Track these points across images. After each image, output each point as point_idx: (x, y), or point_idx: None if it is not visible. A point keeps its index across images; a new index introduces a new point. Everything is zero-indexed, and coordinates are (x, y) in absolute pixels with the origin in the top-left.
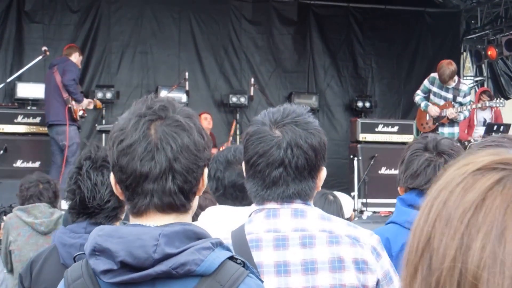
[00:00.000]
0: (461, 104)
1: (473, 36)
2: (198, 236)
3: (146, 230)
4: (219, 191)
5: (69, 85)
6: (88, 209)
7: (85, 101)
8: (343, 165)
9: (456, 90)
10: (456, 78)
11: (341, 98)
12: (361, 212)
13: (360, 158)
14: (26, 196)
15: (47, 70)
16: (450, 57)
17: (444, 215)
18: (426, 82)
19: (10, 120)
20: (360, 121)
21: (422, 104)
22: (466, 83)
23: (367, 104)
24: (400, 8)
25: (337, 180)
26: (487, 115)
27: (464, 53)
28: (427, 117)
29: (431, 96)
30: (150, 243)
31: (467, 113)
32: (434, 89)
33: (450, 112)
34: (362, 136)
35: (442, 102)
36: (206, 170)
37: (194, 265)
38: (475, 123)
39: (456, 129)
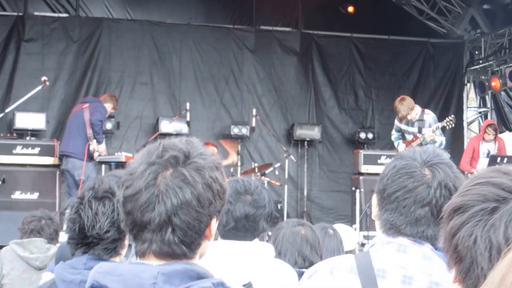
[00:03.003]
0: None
1: (477, 67)
2: (200, 276)
3: (145, 268)
4: (230, 224)
5: (95, 124)
6: (87, 239)
7: (104, 145)
8: (343, 197)
9: (421, 121)
10: (418, 110)
11: (341, 130)
12: (363, 245)
13: (362, 190)
14: (27, 230)
15: (78, 103)
16: (452, 88)
17: None
18: (396, 121)
19: (8, 150)
20: (362, 152)
21: (395, 144)
22: (431, 113)
23: (370, 136)
24: (403, 38)
25: (338, 213)
26: (491, 147)
27: (468, 84)
28: None
29: (404, 134)
30: (148, 281)
31: (443, 139)
32: (403, 126)
33: (428, 135)
34: (364, 168)
35: (411, 137)
36: (214, 221)
37: None
38: (479, 154)
39: None
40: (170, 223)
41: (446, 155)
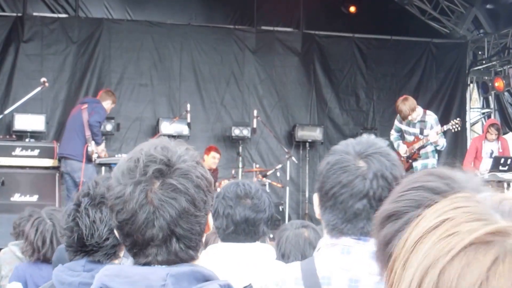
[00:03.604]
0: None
1: (480, 67)
2: (206, 278)
3: (153, 270)
4: (230, 228)
5: (94, 126)
6: (86, 247)
7: (102, 146)
8: None
9: (423, 122)
10: (420, 111)
11: (343, 131)
12: None
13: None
14: (19, 232)
15: (77, 103)
16: (455, 89)
17: None
18: (396, 121)
19: (7, 152)
20: None
21: (395, 144)
22: (432, 114)
23: (372, 137)
24: (405, 38)
25: None
26: (494, 147)
27: (471, 85)
28: (402, 157)
29: (404, 134)
30: (157, 283)
31: (444, 141)
32: (404, 127)
33: (432, 137)
34: None
35: (412, 138)
36: (210, 216)
37: None
38: (482, 155)
39: (430, 160)
40: (174, 234)
41: (382, 143)
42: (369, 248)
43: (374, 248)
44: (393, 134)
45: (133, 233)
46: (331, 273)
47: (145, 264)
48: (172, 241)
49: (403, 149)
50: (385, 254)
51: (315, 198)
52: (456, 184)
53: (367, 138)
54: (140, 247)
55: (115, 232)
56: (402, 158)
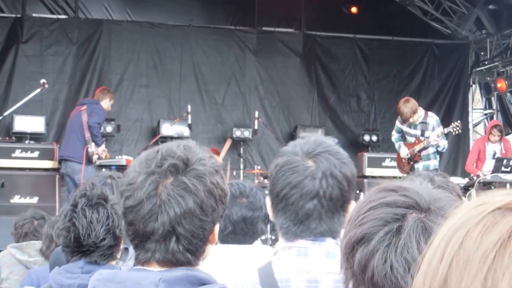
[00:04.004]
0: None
1: (482, 68)
2: (202, 281)
3: (145, 274)
4: (228, 229)
5: (93, 127)
6: (83, 247)
7: (103, 147)
8: None
9: (424, 124)
10: (421, 112)
11: (344, 132)
12: None
13: (366, 193)
14: (21, 233)
15: (76, 106)
16: (456, 90)
17: (462, 257)
18: (397, 122)
19: (7, 154)
20: (366, 155)
21: (397, 146)
22: (434, 116)
23: (374, 138)
24: (407, 39)
25: None
26: (496, 148)
27: (474, 86)
28: (403, 159)
29: (406, 135)
30: None
31: (445, 143)
32: (405, 128)
33: (433, 139)
34: (369, 171)
35: (413, 140)
36: (216, 226)
37: None
38: (485, 156)
39: (432, 162)
40: (174, 233)
41: (330, 142)
42: (326, 248)
43: (344, 276)
44: (394, 135)
45: (136, 223)
46: (289, 276)
47: (144, 262)
48: (171, 240)
49: (404, 151)
50: (366, 279)
51: (267, 201)
52: (411, 193)
53: (315, 137)
54: (140, 239)
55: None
56: (403, 160)
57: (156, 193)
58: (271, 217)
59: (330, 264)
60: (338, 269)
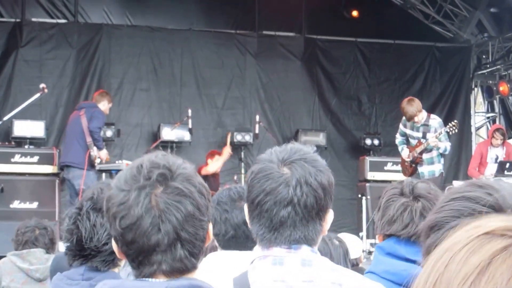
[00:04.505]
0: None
1: (484, 71)
2: None
3: (151, 285)
4: (229, 233)
5: (94, 132)
6: (85, 251)
7: (105, 150)
8: (348, 205)
9: (426, 126)
10: (424, 114)
11: (345, 136)
12: (370, 253)
13: (368, 197)
14: (21, 241)
15: (75, 110)
16: (458, 94)
17: (445, 278)
18: (400, 125)
19: (6, 159)
20: (368, 159)
21: (400, 148)
22: (437, 118)
23: (376, 142)
24: (409, 43)
25: (344, 221)
26: (499, 152)
27: (476, 89)
28: (406, 162)
29: (409, 139)
30: None
31: (448, 145)
32: (408, 131)
33: (431, 141)
34: (370, 175)
35: (415, 142)
36: (210, 225)
37: None
38: (488, 160)
39: (436, 166)
40: (179, 239)
41: (307, 150)
42: (302, 256)
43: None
44: (398, 138)
45: (138, 239)
46: (264, 286)
47: (149, 275)
48: (176, 247)
49: (405, 153)
50: None
51: (245, 208)
52: (498, 194)
53: (292, 145)
54: (145, 255)
55: (114, 243)
56: (406, 163)
57: (152, 204)
58: (248, 224)
59: (305, 272)
60: (313, 277)
